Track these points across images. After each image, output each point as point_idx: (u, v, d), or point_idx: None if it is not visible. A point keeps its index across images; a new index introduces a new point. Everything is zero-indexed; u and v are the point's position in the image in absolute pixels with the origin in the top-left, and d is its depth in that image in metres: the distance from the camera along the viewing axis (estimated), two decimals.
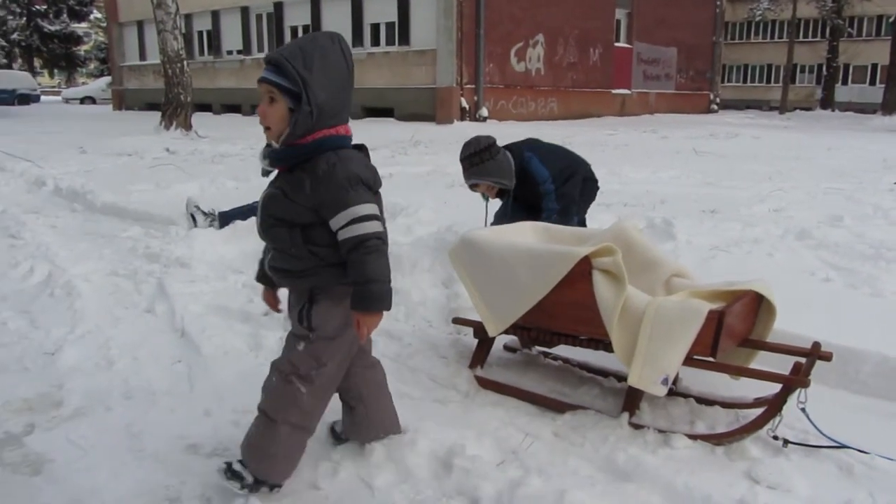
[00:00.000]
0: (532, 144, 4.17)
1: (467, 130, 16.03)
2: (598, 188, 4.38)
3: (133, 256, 4.75)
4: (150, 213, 5.88)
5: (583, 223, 4.33)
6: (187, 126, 13.59)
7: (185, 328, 3.42)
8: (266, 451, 2.11)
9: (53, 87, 49.30)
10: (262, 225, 2.08)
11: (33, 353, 3.24)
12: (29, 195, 7.29)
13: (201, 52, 24.60)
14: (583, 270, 2.56)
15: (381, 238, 1.94)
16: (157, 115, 16.19)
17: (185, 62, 13.75)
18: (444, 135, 14.13)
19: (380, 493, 2.19)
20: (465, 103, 18.42)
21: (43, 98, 33.71)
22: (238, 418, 2.60)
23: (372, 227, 1.91)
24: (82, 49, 42.88)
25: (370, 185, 1.98)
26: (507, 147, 4.05)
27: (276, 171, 2.05)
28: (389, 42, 19.81)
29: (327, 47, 1.94)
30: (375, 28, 20.04)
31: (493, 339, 2.96)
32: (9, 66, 32.92)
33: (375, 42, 20.12)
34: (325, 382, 2.14)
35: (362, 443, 2.36)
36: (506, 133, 14.29)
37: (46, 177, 7.75)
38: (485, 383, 2.87)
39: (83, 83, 44.30)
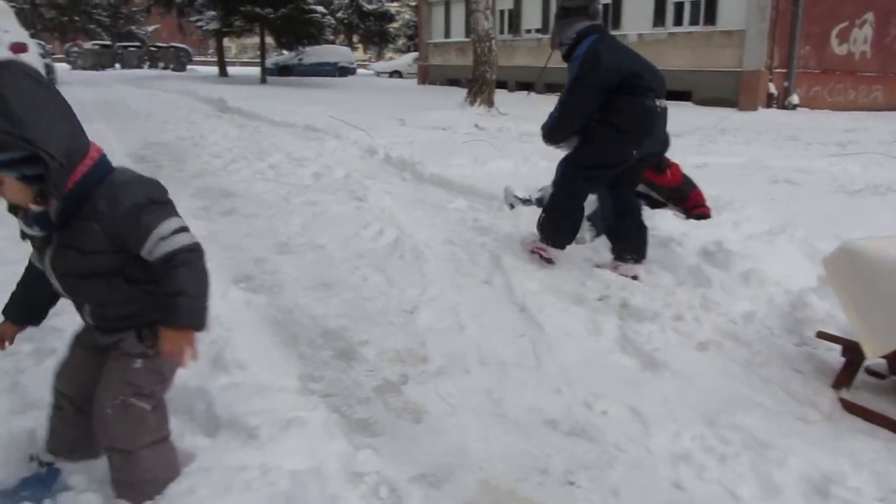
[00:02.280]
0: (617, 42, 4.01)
1: (775, 118, 14.91)
2: (652, 114, 3.84)
3: (463, 228, 5.07)
4: (473, 187, 6.23)
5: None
6: (490, 103, 14.19)
7: (524, 304, 3.58)
8: (143, 481, 1.92)
9: (364, 60, 54.29)
10: (64, 288, 1.87)
11: (394, 310, 3.61)
12: (363, 162, 8.11)
13: (502, 31, 25.48)
14: None
15: (193, 249, 1.76)
16: (458, 90, 17.11)
17: (493, 41, 14.34)
18: (751, 123, 13.25)
19: None
20: (773, 89, 17.03)
21: (357, 71, 37.40)
22: (590, 401, 2.67)
23: (180, 240, 1.75)
24: (392, 26, 46.69)
25: (160, 200, 1.79)
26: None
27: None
28: (693, 22, 18.88)
29: (13, 84, 1.62)
30: (679, 7, 19.20)
31: (864, 360, 2.71)
32: (332, 42, 36.86)
33: (678, 22, 19.32)
34: (163, 398, 2.00)
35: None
36: (818, 124, 12.98)
37: (377, 146, 8.57)
38: (851, 408, 2.63)
39: (390, 58, 48.28)
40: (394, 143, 8.77)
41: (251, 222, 5.33)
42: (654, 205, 4.93)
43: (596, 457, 2.34)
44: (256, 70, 28.79)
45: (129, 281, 1.82)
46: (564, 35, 4.02)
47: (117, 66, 38.12)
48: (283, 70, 31.87)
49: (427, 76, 29.25)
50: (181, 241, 1.76)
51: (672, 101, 14.42)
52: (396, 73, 37.03)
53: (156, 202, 1.78)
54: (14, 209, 1.80)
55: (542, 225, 4.14)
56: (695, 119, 13.07)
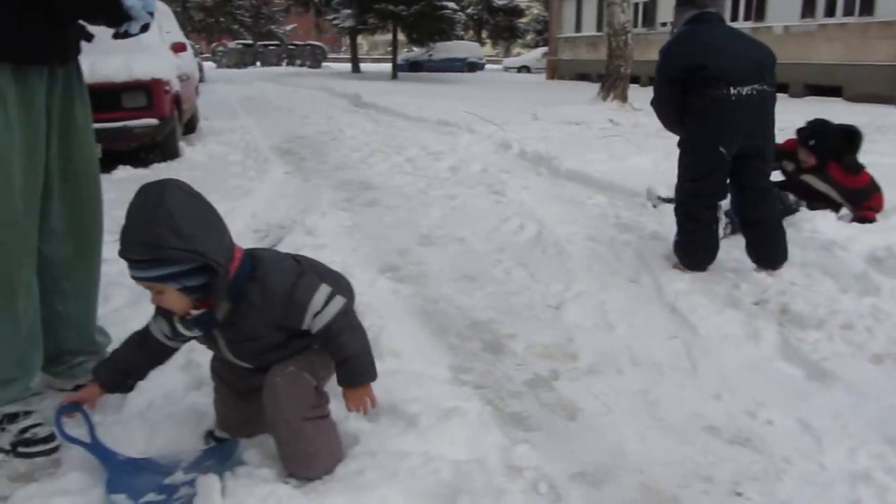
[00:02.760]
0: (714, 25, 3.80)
1: None
2: (722, 104, 3.59)
3: (604, 224, 4.97)
4: (613, 183, 6.10)
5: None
6: (624, 98, 13.86)
7: (675, 305, 3.46)
8: (308, 454, 1.98)
9: (492, 56, 54.45)
10: (253, 365, 2.00)
11: (539, 304, 3.58)
12: (497, 156, 8.11)
13: (636, 24, 24.82)
14: None
15: (345, 312, 1.90)
16: (588, 85, 16.81)
17: (628, 35, 13.99)
18: None
19: None
20: None
21: (486, 66, 37.56)
22: (753, 409, 2.54)
23: (332, 310, 1.88)
24: (521, 21, 46.54)
25: (299, 273, 1.91)
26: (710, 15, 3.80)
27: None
28: (847, 12, 17.68)
29: (177, 201, 1.73)
30: None
31: None
32: (461, 38, 37.16)
33: (830, 13, 18.14)
34: (325, 385, 2.07)
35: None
36: None
37: (511, 140, 8.56)
38: None
39: (517, 53, 48.21)
40: (527, 138, 8.72)
41: (393, 214, 5.45)
42: (818, 205, 4.62)
43: (763, 468, 2.22)
44: (387, 66, 29.55)
45: (301, 336, 1.96)
46: (677, 23, 3.96)
47: (258, 63, 40.17)
48: (413, 66, 32.52)
49: (556, 71, 28.96)
50: (333, 309, 1.88)
51: (821, 98, 13.56)
52: (525, 69, 36.92)
53: (298, 276, 1.90)
54: (165, 313, 1.94)
55: (675, 248, 3.98)
56: (848, 116, 12.16)
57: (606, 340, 3.14)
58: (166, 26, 8.90)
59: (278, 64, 40.46)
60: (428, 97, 16.13)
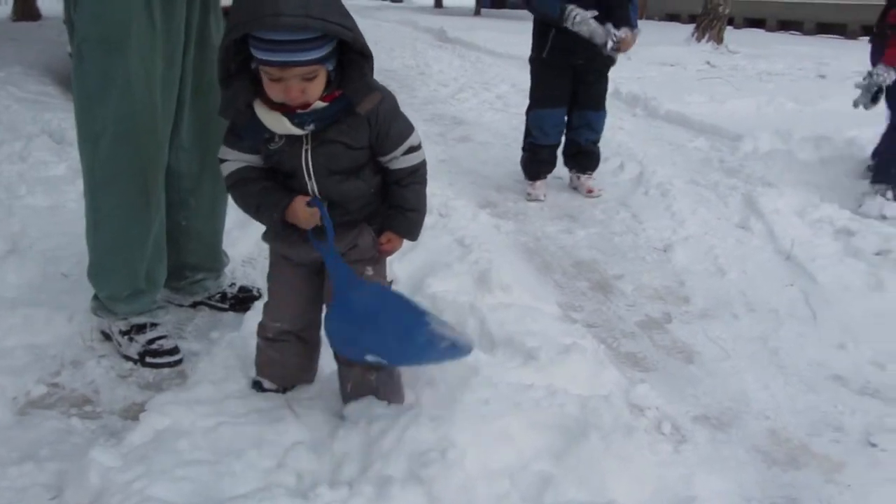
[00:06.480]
0: None
1: None
2: None
3: (708, 168, 4.79)
4: (715, 126, 5.85)
5: None
6: (719, 39, 13.20)
7: (790, 252, 3.32)
8: (397, 380, 1.99)
9: None
10: (327, 188, 1.74)
11: (644, 246, 3.50)
12: None
13: None
14: None
15: (425, 165, 1.85)
16: (678, 25, 16.08)
17: None
18: None
19: None
20: None
21: None
22: (882, 361, 2.45)
23: (422, 154, 1.82)
24: None
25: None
26: None
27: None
28: None
29: None
30: None
31: None
32: None
33: None
34: None
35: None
36: None
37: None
38: None
39: None
40: (622, 78, 8.37)
41: (487, 150, 5.39)
42: None
43: None
44: (470, 2, 28.88)
45: (374, 172, 1.82)
46: None
47: None
48: (496, 2, 31.70)
49: (644, 11, 27.81)
50: (423, 155, 1.83)
51: (827, 36, 12.58)
52: None
53: (400, 110, 1.79)
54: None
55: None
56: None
57: (719, 285, 3.05)
58: None
59: None
60: (514, 34, 15.65)
